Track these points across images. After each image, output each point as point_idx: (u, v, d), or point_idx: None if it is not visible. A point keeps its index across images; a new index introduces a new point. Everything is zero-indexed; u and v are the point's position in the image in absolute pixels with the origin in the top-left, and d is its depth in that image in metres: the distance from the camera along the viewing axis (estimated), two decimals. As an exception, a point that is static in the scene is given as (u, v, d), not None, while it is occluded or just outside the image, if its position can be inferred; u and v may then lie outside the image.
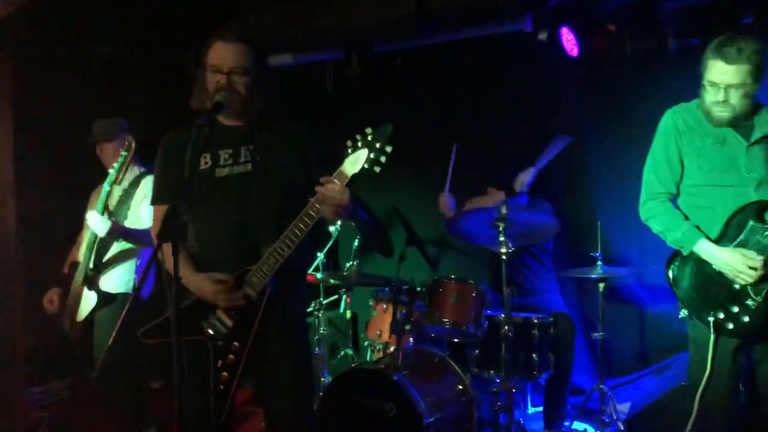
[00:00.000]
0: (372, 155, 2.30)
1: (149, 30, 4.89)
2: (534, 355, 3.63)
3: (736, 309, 2.62)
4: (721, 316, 2.64)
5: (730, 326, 2.63)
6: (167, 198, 2.50)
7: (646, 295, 4.17)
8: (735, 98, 2.62)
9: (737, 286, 2.63)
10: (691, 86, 4.02)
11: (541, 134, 4.51)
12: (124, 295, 3.61)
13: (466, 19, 4.44)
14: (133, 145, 3.38)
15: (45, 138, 4.69)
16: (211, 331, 2.52)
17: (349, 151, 2.33)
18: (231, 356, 2.50)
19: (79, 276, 3.58)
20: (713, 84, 2.65)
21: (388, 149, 2.31)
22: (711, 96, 2.67)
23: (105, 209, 3.48)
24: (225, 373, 2.50)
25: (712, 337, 2.65)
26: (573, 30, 4.23)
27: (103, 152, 3.73)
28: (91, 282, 3.56)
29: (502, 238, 3.53)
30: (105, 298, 3.54)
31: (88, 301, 3.58)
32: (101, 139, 3.70)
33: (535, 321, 3.69)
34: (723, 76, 2.61)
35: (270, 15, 4.68)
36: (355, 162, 2.32)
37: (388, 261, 4.98)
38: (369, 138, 2.32)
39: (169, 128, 2.67)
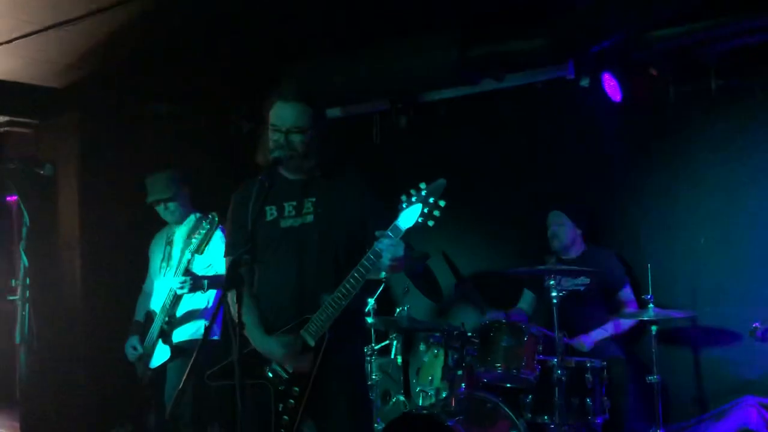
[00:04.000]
0: (426, 210, 2.39)
1: (203, 87, 5.15)
2: (588, 400, 3.61)
3: None
4: None
5: None
6: (237, 250, 2.63)
7: (701, 338, 4.11)
8: None
9: None
10: (736, 125, 4.07)
11: (585, 181, 4.55)
12: (195, 341, 3.76)
13: (508, 67, 4.54)
14: (217, 219, 3.52)
15: (109, 193, 4.93)
16: (272, 376, 2.61)
17: (404, 205, 2.42)
18: (291, 401, 2.59)
19: (154, 328, 3.76)
20: None
21: (442, 204, 2.41)
22: None
23: (186, 270, 3.63)
24: (285, 417, 2.58)
25: None
26: (615, 75, 4.29)
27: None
28: (166, 336, 3.73)
29: (552, 282, 3.57)
30: (178, 351, 3.71)
31: (162, 352, 3.76)
32: (158, 202, 3.91)
33: (588, 365, 3.67)
34: None
35: (317, 68, 4.87)
36: (409, 217, 2.41)
37: (438, 305, 5.05)
38: (423, 193, 2.41)
39: (225, 180, 2.81)
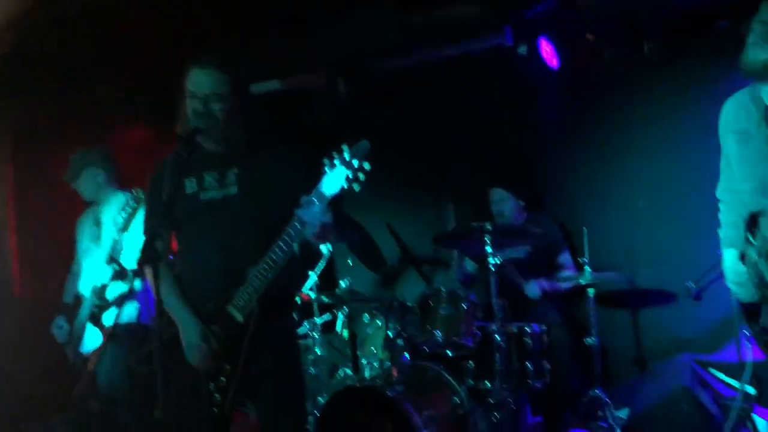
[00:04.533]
0: (350, 174, 2.26)
1: (145, 68, 4.99)
2: (528, 364, 3.64)
3: None
4: None
5: None
6: (154, 225, 2.53)
7: (638, 299, 4.18)
8: None
9: None
10: (670, 89, 4.12)
11: (525, 147, 4.57)
12: (129, 324, 3.66)
13: (447, 36, 4.50)
14: (141, 196, 3.42)
15: (43, 176, 4.76)
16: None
17: (327, 169, 2.29)
18: (222, 378, 2.51)
19: (84, 312, 3.65)
20: None
21: (367, 166, 2.26)
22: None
23: (111, 257, 3.54)
24: (217, 396, 2.51)
25: None
26: (551, 41, 4.30)
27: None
28: (96, 319, 3.63)
29: (489, 249, 3.57)
30: (110, 335, 3.61)
31: (93, 336, 3.66)
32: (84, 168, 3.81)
33: (528, 330, 3.70)
34: None
35: (255, 42, 4.76)
36: (333, 182, 2.29)
37: (384, 278, 5.04)
38: (346, 156, 2.27)
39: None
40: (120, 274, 3.53)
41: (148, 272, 2.26)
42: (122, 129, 5.19)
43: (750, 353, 2.74)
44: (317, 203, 2.34)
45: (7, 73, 4.59)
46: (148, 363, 2.57)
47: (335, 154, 2.30)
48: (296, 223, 2.38)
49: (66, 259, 4.21)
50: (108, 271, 3.50)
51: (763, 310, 2.43)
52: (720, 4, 3.98)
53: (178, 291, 2.55)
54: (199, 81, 2.52)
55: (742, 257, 2.48)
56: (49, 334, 3.90)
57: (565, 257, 4.19)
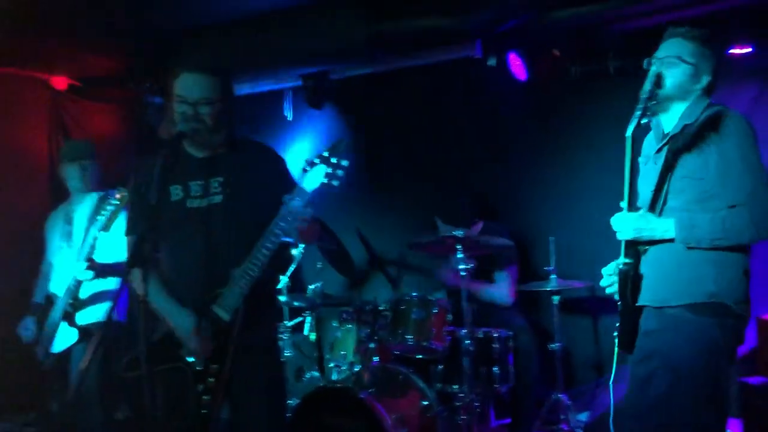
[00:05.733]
0: (329, 170, 2.38)
1: (108, 62, 4.95)
2: (495, 368, 3.76)
3: None
4: None
5: None
6: (139, 229, 2.54)
7: (599, 307, 4.34)
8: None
9: None
10: (632, 104, 4.28)
11: (492, 157, 4.69)
12: (101, 323, 3.63)
13: (418, 46, 4.58)
14: (126, 196, 3.36)
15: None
16: (189, 358, 2.55)
17: (307, 168, 2.41)
18: (211, 379, 2.53)
19: (56, 311, 3.59)
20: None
21: (345, 163, 2.39)
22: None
23: (88, 256, 3.50)
24: (206, 397, 2.52)
25: None
26: (520, 55, 4.43)
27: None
28: (71, 318, 3.58)
29: (460, 255, 3.68)
30: (85, 334, 3.57)
31: (67, 335, 3.60)
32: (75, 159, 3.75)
33: (495, 335, 3.82)
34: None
35: (223, 45, 4.75)
36: (314, 179, 2.40)
37: (352, 282, 5.09)
38: (325, 154, 2.40)
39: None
40: (96, 273, 3.49)
41: (137, 274, 2.28)
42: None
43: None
44: (298, 199, 2.43)
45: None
46: (135, 368, 2.54)
47: (314, 156, 2.42)
48: (280, 221, 2.45)
49: (30, 258, 4.14)
50: (83, 269, 3.46)
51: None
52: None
53: (165, 291, 2.58)
54: (189, 85, 2.54)
55: None
56: (9, 334, 3.83)
57: (503, 275, 4.22)
